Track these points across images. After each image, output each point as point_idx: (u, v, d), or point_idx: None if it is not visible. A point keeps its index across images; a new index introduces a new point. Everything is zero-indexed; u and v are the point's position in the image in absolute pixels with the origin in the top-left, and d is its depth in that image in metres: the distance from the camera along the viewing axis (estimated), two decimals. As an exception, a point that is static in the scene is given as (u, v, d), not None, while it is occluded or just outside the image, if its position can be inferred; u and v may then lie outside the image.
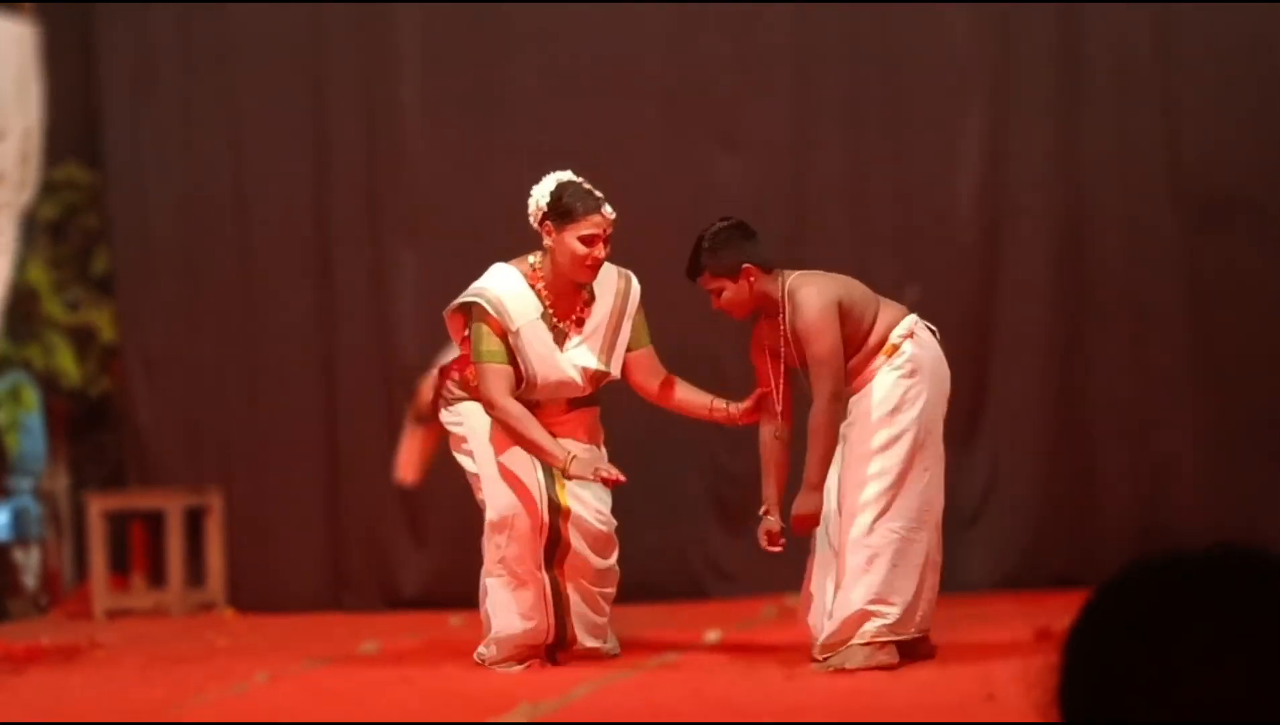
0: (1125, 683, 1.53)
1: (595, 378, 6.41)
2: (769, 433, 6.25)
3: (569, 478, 6.21)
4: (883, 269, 8.94)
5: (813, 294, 6.02)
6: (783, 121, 9.02)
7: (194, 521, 9.29)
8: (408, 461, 6.50)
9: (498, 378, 6.25)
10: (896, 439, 6.01)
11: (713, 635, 7.00)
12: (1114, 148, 8.81)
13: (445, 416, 6.48)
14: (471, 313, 6.31)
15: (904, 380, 6.04)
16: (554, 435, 6.28)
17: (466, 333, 6.37)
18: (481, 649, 6.39)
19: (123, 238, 9.55)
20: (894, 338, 6.08)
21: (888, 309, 6.15)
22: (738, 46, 9.02)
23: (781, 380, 6.19)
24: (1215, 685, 1.48)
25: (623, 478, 6.17)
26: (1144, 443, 8.76)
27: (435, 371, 6.59)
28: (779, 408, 6.21)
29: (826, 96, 8.98)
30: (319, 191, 9.32)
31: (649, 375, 6.50)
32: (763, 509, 6.20)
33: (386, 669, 6.59)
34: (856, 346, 6.06)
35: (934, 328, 6.21)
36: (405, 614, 8.60)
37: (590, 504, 6.35)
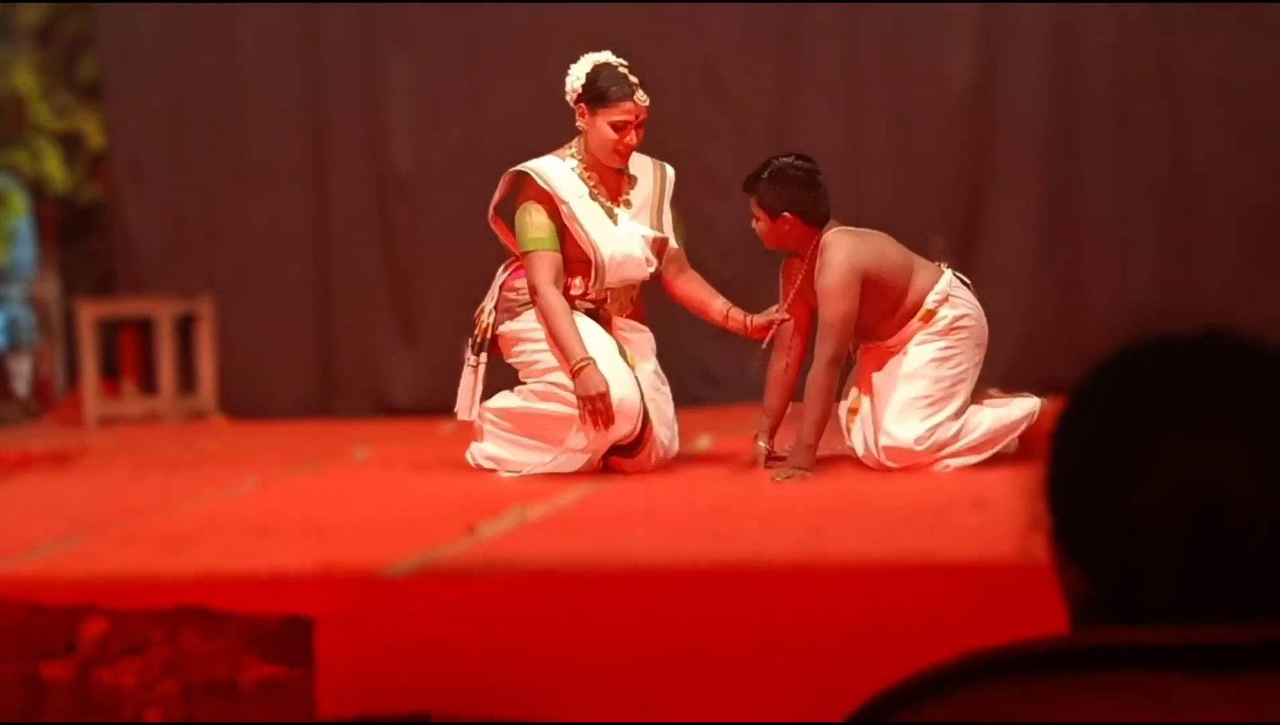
0: (1109, 467, 1.51)
1: (656, 246, 6.36)
2: (779, 366, 6.27)
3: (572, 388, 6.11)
4: (876, 74, 8.88)
5: (841, 257, 6.00)
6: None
7: (184, 328, 9.27)
8: (470, 396, 6.32)
9: (544, 264, 6.19)
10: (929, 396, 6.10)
11: (704, 442, 7.01)
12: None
13: (513, 325, 6.29)
14: (519, 192, 6.25)
15: (941, 348, 6.13)
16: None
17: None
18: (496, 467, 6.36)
19: (109, 42, 9.41)
20: (929, 303, 6.14)
21: (923, 271, 6.18)
22: None
23: (804, 317, 6.21)
24: (1197, 468, 1.46)
25: (610, 422, 6.06)
26: (1131, 248, 8.75)
27: (494, 291, 6.37)
28: (793, 341, 6.24)
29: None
30: (308, -6, 9.19)
31: (676, 270, 6.50)
32: (755, 433, 6.27)
33: (376, 473, 6.61)
34: (891, 310, 6.11)
35: (967, 280, 6.28)
36: (396, 421, 8.61)
37: (662, 431, 6.30)
